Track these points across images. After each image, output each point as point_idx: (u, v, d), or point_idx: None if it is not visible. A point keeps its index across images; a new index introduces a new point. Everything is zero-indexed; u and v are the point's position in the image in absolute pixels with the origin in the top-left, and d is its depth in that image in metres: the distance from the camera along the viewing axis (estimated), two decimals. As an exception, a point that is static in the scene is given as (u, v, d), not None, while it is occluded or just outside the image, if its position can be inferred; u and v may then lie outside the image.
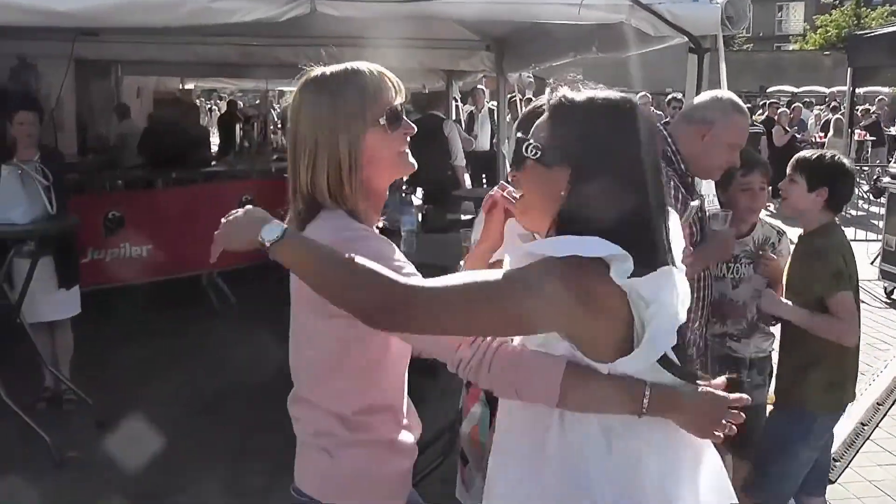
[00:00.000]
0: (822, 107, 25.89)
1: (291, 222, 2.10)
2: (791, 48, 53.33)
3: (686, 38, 5.04)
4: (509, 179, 2.03)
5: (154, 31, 7.68)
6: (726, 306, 4.01)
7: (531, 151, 1.83)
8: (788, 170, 3.71)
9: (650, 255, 1.74)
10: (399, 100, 2.11)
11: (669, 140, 3.54)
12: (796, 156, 3.74)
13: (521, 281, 1.73)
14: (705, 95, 3.78)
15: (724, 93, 3.82)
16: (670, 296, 1.75)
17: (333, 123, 2.04)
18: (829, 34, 48.04)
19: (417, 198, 11.35)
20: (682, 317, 1.78)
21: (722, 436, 1.84)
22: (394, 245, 2.02)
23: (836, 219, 3.79)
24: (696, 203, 3.56)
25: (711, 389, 1.84)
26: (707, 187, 4.80)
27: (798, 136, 17.87)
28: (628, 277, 1.67)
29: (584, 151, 1.78)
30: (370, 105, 2.06)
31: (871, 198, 15.20)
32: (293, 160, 2.10)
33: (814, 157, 3.69)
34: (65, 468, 5.14)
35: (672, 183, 3.38)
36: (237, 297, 8.72)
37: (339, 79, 2.09)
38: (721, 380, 1.88)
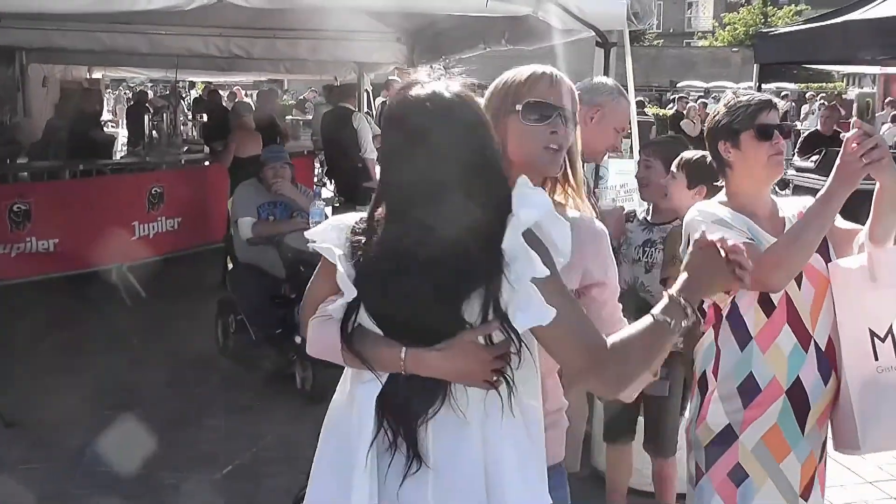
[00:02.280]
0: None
1: None
2: (700, 44, 54.45)
3: (593, 33, 5.14)
4: None
5: (59, 17, 7.52)
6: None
7: None
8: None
9: None
10: None
11: None
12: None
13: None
14: (591, 80, 3.87)
15: (607, 78, 3.94)
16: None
17: None
18: (738, 31, 49.19)
19: (329, 189, 11.36)
20: None
21: (494, 381, 1.90)
22: None
23: None
24: None
25: (472, 341, 1.90)
26: (614, 179, 4.93)
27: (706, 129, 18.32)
28: None
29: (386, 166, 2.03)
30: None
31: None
32: None
33: (695, 158, 3.73)
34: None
35: None
36: (147, 291, 8.57)
37: None
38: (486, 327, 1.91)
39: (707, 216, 2.80)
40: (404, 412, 1.92)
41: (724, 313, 2.81)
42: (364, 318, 1.94)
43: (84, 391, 5.99)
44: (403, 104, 1.96)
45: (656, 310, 1.94)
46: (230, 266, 7.41)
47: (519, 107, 2.17)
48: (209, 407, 5.81)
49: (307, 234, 2.06)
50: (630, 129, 3.92)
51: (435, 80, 1.98)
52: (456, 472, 1.91)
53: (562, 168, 2.23)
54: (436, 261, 1.85)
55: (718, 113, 2.93)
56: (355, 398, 1.97)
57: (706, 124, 3.02)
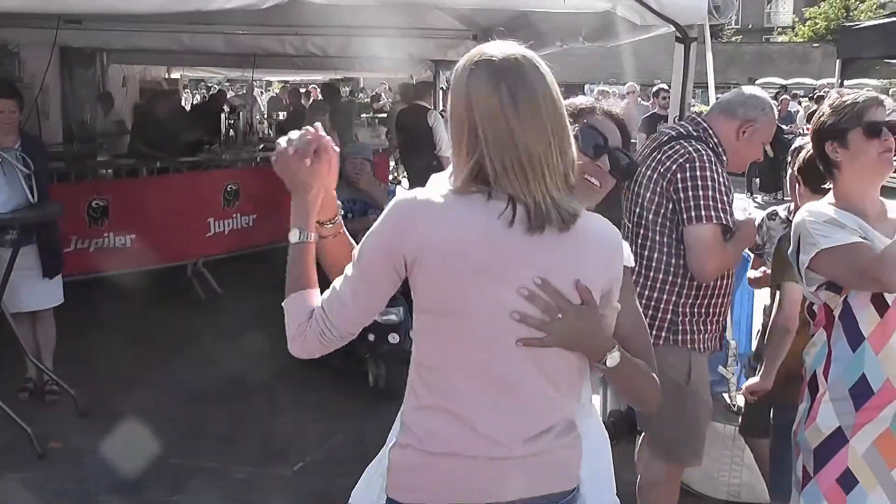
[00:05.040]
0: (810, 99, 25.89)
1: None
2: (780, 40, 53.34)
3: (673, 28, 5.02)
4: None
5: (139, 18, 7.63)
6: None
7: None
8: (794, 167, 3.72)
9: None
10: None
11: (713, 133, 3.63)
12: (801, 154, 3.65)
13: None
14: (745, 91, 3.82)
15: (759, 90, 3.92)
16: None
17: None
18: (818, 26, 48.05)
19: (404, 188, 11.37)
20: None
21: None
22: None
23: None
24: None
25: None
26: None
27: (785, 127, 17.91)
28: None
29: None
30: None
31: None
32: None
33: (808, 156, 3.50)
34: (47, 459, 5.09)
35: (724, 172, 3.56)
36: (222, 287, 8.67)
37: None
38: None
39: (818, 216, 2.72)
40: None
41: (837, 314, 2.71)
42: None
43: (157, 385, 6.10)
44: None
45: None
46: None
47: None
48: (281, 404, 5.82)
49: None
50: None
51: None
52: None
53: None
54: None
55: (823, 114, 2.86)
56: None
57: (812, 125, 2.94)
